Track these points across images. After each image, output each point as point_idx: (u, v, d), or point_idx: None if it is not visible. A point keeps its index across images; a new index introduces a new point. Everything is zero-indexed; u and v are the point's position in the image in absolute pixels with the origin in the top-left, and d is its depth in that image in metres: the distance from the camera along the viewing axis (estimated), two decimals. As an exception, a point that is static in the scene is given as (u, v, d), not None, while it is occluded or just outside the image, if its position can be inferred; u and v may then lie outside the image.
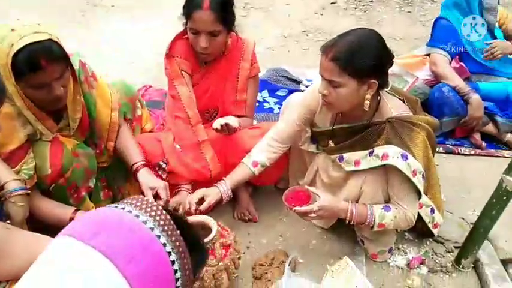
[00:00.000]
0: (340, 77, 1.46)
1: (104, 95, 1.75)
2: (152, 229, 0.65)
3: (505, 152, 2.54)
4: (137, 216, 0.66)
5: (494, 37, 2.60)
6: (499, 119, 2.56)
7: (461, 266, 1.77)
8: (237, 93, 2.03)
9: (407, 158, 1.48)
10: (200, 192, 1.73)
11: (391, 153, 1.50)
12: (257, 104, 2.94)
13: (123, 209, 0.68)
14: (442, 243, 1.89)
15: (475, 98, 2.46)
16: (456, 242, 1.86)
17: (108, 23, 4.16)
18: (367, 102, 1.52)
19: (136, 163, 1.76)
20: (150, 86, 3.05)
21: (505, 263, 1.76)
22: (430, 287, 1.72)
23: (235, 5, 1.88)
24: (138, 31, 3.98)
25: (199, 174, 1.89)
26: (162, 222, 0.66)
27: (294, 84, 3.20)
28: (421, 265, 1.79)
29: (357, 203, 1.66)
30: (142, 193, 1.70)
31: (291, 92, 3.09)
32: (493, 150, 2.57)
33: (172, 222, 0.68)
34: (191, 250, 0.71)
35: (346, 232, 1.92)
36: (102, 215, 0.69)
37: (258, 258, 1.79)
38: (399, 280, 1.75)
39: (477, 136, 2.59)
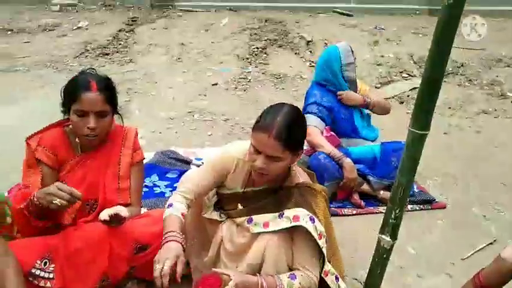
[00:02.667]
0: (282, 153, 1.58)
1: None
2: None
3: (381, 208, 2.78)
4: None
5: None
6: (371, 178, 2.83)
7: (360, 328, 1.82)
8: (120, 181, 1.94)
9: (314, 221, 1.60)
10: (170, 258, 1.46)
11: (301, 215, 1.60)
12: (147, 189, 2.87)
13: None
14: (340, 307, 1.93)
15: (347, 162, 2.71)
16: (353, 304, 1.93)
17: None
18: (294, 170, 1.68)
19: None
20: (24, 184, 2.79)
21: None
22: None
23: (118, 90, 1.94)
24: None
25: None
26: None
27: (184, 165, 3.19)
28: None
29: (260, 270, 1.67)
30: None
31: (181, 173, 3.08)
32: (371, 207, 2.81)
33: None
34: None
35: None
36: None
37: None
38: None
39: (356, 196, 2.82)
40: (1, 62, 5.15)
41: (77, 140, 1.88)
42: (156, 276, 1.43)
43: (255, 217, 1.71)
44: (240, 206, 1.78)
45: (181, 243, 1.54)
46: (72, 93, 1.78)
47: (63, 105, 1.85)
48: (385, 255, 1.61)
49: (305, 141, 2.81)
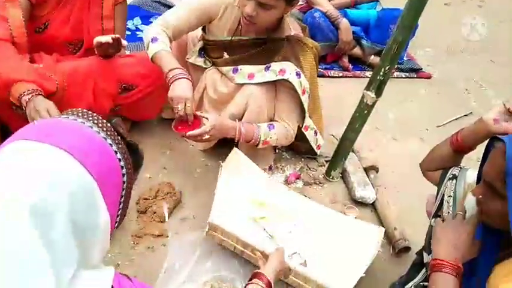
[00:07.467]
0: (277, 0, 1.45)
1: None
2: (98, 132, 0.73)
3: (368, 73, 2.78)
4: (83, 122, 0.73)
5: None
6: (364, 42, 2.76)
7: (331, 177, 1.96)
8: (103, 21, 1.84)
9: (300, 76, 1.58)
10: (190, 98, 1.52)
11: (288, 69, 1.57)
12: (129, 32, 2.74)
13: (68, 117, 0.74)
14: (314, 159, 2.05)
15: (344, 22, 2.60)
16: (327, 157, 2.04)
17: None
18: (287, 20, 1.58)
19: None
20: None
21: (366, 170, 2.00)
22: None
23: None
24: None
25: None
26: (105, 129, 0.74)
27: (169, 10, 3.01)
28: (297, 180, 1.95)
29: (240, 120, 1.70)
30: None
31: (166, 19, 2.93)
32: (358, 71, 2.80)
33: (113, 129, 0.76)
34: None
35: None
36: (51, 121, 0.75)
37: (142, 192, 1.76)
38: (279, 195, 1.88)
39: (345, 59, 2.79)
40: None
41: None
42: (182, 115, 1.52)
43: (241, 67, 1.67)
44: (225, 55, 1.72)
45: (190, 80, 1.55)
46: None
47: None
48: (366, 111, 1.65)
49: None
